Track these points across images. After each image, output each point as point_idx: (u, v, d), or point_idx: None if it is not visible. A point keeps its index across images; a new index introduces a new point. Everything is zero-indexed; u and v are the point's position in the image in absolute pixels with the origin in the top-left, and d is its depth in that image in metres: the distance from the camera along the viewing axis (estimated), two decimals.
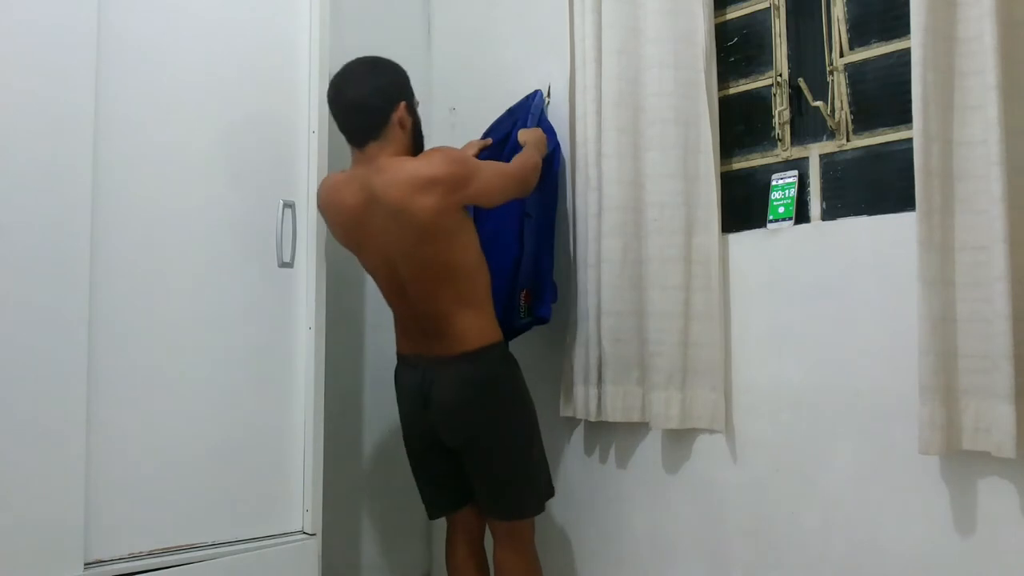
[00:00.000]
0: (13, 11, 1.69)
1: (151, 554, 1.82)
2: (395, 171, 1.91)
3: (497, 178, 2.01)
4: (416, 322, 2.04)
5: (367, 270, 2.13)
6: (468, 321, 1.98)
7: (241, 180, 2.02)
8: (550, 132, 2.28)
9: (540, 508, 2.10)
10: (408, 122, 1.99)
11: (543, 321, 2.25)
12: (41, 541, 1.68)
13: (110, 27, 1.81)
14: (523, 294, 2.20)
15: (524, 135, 2.20)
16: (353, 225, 2.01)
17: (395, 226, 1.92)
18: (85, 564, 1.74)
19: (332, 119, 2.05)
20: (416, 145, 2.03)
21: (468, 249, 1.99)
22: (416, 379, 2.05)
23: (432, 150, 1.99)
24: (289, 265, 2.08)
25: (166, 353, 1.88)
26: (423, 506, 2.21)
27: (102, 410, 1.77)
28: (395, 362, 2.17)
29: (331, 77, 2.02)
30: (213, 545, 1.91)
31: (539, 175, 2.13)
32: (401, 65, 2.05)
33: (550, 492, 2.12)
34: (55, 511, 1.70)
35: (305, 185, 2.12)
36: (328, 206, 2.05)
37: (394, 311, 2.12)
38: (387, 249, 1.99)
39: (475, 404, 1.99)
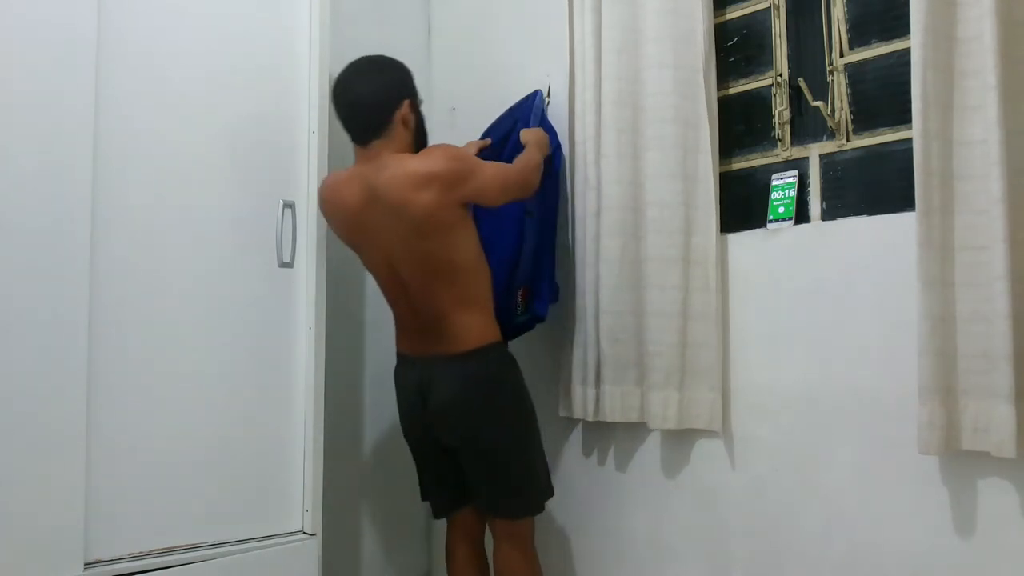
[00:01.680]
0: (13, 11, 1.69)
1: (151, 554, 1.82)
2: (395, 168, 1.92)
3: (497, 178, 2.01)
4: (416, 321, 2.05)
5: (368, 268, 2.14)
6: (467, 320, 1.99)
7: (241, 180, 2.02)
8: (551, 132, 2.29)
9: (540, 508, 2.10)
10: (411, 120, 2.01)
11: (540, 319, 2.24)
12: (41, 541, 1.68)
13: (110, 27, 1.81)
14: (520, 292, 2.20)
15: (526, 135, 2.20)
16: (354, 223, 2.02)
17: (395, 223, 1.93)
18: (85, 564, 1.73)
19: (333, 118, 2.06)
20: (419, 143, 2.05)
21: (467, 247, 1.99)
22: (415, 378, 2.05)
23: (432, 147, 2.00)
24: (289, 265, 2.08)
25: (166, 353, 1.88)
26: (423, 506, 2.22)
27: (102, 410, 1.77)
28: (395, 362, 2.17)
29: (335, 75, 2.03)
30: (213, 545, 1.91)
31: (540, 176, 2.13)
32: (405, 65, 2.06)
33: (549, 492, 2.12)
34: (55, 511, 1.70)
35: (305, 185, 2.12)
36: (329, 204, 2.06)
37: (394, 310, 2.12)
38: (388, 246, 1.99)
39: (474, 403, 1.99)
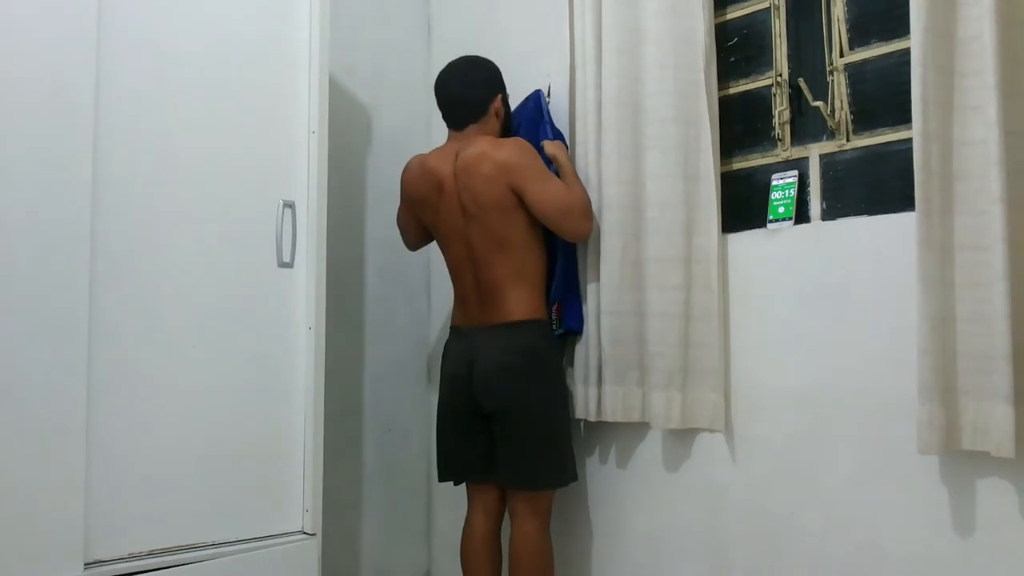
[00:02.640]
0: (13, 10, 1.69)
1: (151, 554, 1.82)
2: (476, 145, 2.15)
3: (554, 185, 2.12)
4: (474, 291, 2.19)
5: (439, 241, 2.29)
6: (519, 293, 2.13)
7: (241, 180, 2.02)
8: (559, 136, 2.30)
9: (562, 482, 2.17)
10: (502, 112, 2.28)
11: (575, 332, 2.25)
12: (41, 541, 1.68)
13: (110, 26, 1.81)
14: (555, 307, 2.24)
15: (552, 151, 2.21)
16: (438, 192, 2.19)
17: (466, 193, 2.14)
18: (85, 564, 1.74)
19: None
20: (504, 131, 2.31)
21: (522, 227, 2.14)
22: (463, 346, 2.19)
23: (513, 138, 2.22)
24: (289, 265, 2.08)
25: (166, 353, 1.88)
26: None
27: (102, 410, 1.77)
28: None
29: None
30: (213, 545, 1.91)
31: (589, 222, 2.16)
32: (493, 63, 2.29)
33: (574, 474, 2.18)
34: (55, 511, 1.70)
35: (305, 185, 2.12)
36: (417, 177, 2.25)
37: (456, 283, 2.26)
38: (462, 216, 2.17)
39: (516, 370, 2.11)
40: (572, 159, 2.26)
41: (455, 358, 2.22)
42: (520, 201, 2.12)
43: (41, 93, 1.72)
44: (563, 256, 2.24)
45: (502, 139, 2.22)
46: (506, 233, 2.13)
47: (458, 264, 2.23)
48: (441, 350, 2.33)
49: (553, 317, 2.23)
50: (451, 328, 2.30)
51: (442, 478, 2.28)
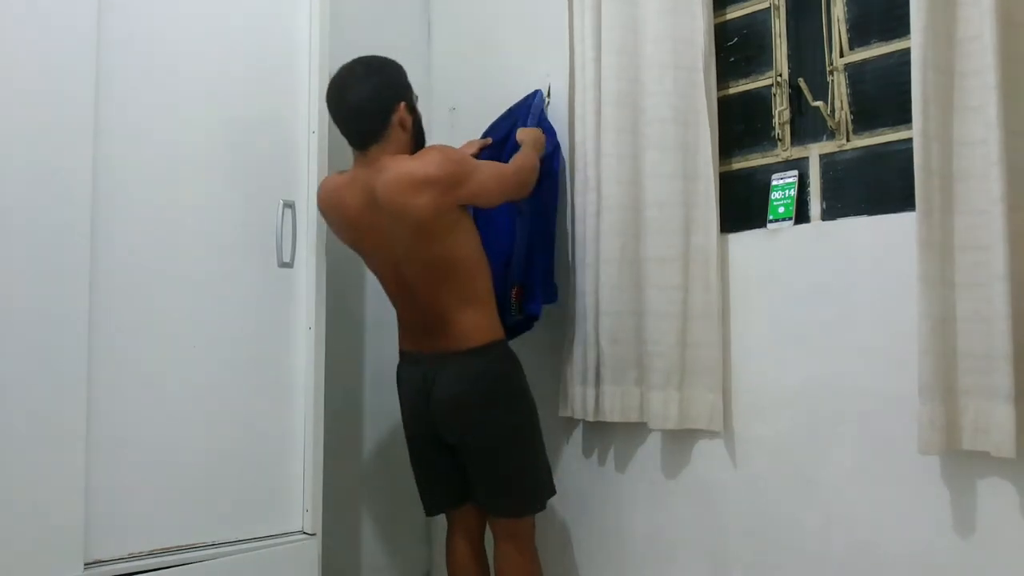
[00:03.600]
0: (13, 11, 1.69)
1: (151, 554, 1.82)
2: (393, 171, 1.92)
3: (494, 178, 2.01)
4: (419, 319, 2.05)
5: (370, 268, 2.14)
6: (470, 318, 1.99)
7: (241, 180, 2.02)
8: (550, 132, 2.28)
9: (541, 506, 2.10)
10: (408, 121, 2.00)
11: (534, 318, 2.24)
12: (41, 541, 1.68)
13: (110, 27, 1.81)
14: (514, 291, 2.19)
15: (522, 134, 2.20)
16: (356, 226, 2.02)
17: (395, 225, 1.94)
18: (85, 564, 1.74)
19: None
20: (417, 142, 2.05)
21: (467, 246, 2.00)
22: (418, 375, 2.05)
23: (430, 148, 2.00)
24: (289, 265, 2.08)
25: (166, 353, 1.88)
26: (422, 504, 2.22)
27: (102, 410, 1.77)
28: (396, 361, 2.17)
29: (330, 77, 2.03)
30: (213, 545, 1.91)
31: (536, 176, 2.13)
32: (398, 62, 2.05)
33: (551, 490, 2.12)
34: (55, 511, 1.70)
35: (305, 185, 2.12)
36: (330, 208, 2.06)
37: (397, 309, 2.13)
38: (389, 248, 2.00)
39: (476, 401, 2.00)
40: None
41: (410, 388, 2.08)
42: (464, 215, 1.97)
43: (41, 92, 1.72)
44: (523, 237, 2.19)
45: (421, 152, 1.97)
46: (452, 256, 1.96)
47: (396, 293, 2.08)
48: None
49: (512, 303, 2.18)
50: (400, 352, 2.14)
51: (428, 512, 2.21)
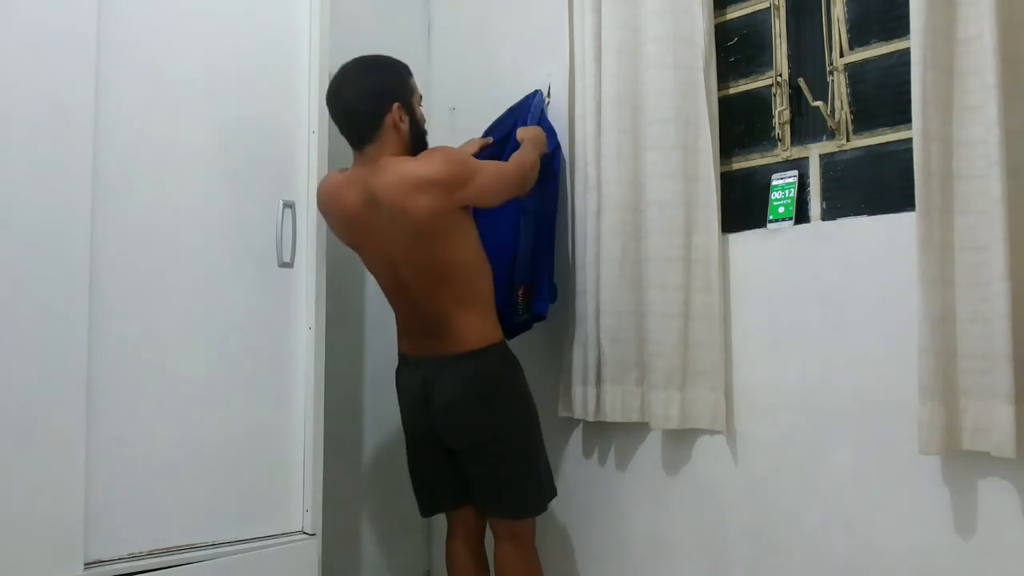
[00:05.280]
0: (13, 11, 1.69)
1: (151, 554, 1.82)
2: (393, 172, 1.91)
3: (495, 178, 2.01)
4: (418, 322, 2.05)
5: (369, 269, 2.14)
6: (469, 321, 1.99)
7: (241, 180, 2.02)
8: (550, 132, 2.28)
9: (542, 508, 2.10)
10: (404, 122, 1.98)
11: (540, 318, 2.24)
12: (41, 541, 1.68)
13: (110, 27, 1.81)
14: (520, 291, 2.20)
15: (522, 133, 2.20)
16: (354, 226, 2.02)
17: (394, 227, 1.93)
18: (85, 564, 1.73)
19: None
20: (416, 143, 2.02)
21: (468, 249, 1.99)
22: (417, 379, 2.05)
23: (432, 150, 2.00)
24: (289, 265, 2.08)
25: (166, 353, 1.88)
26: (418, 505, 2.21)
27: (102, 410, 1.77)
28: (395, 362, 2.17)
29: (331, 77, 2.03)
30: (213, 545, 1.91)
31: (537, 173, 2.13)
32: (402, 62, 2.05)
33: (552, 492, 2.12)
34: (55, 511, 1.70)
35: (305, 185, 2.12)
36: (329, 207, 2.06)
37: (396, 311, 2.12)
38: (388, 249, 1.99)
39: (476, 404, 1.99)
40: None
41: (409, 392, 2.08)
42: (465, 216, 1.96)
43: (41, 93, 1.71)
44: (528, 236, 2.19)
45: (423, 154, 1.97)
46: (451, 258, 1.95)
47: (394, 294, 2.07)
48: None
49: (519, 303, 2.18)
50: (399, 355, 2.14)
51: (423, 513, 2.21)
